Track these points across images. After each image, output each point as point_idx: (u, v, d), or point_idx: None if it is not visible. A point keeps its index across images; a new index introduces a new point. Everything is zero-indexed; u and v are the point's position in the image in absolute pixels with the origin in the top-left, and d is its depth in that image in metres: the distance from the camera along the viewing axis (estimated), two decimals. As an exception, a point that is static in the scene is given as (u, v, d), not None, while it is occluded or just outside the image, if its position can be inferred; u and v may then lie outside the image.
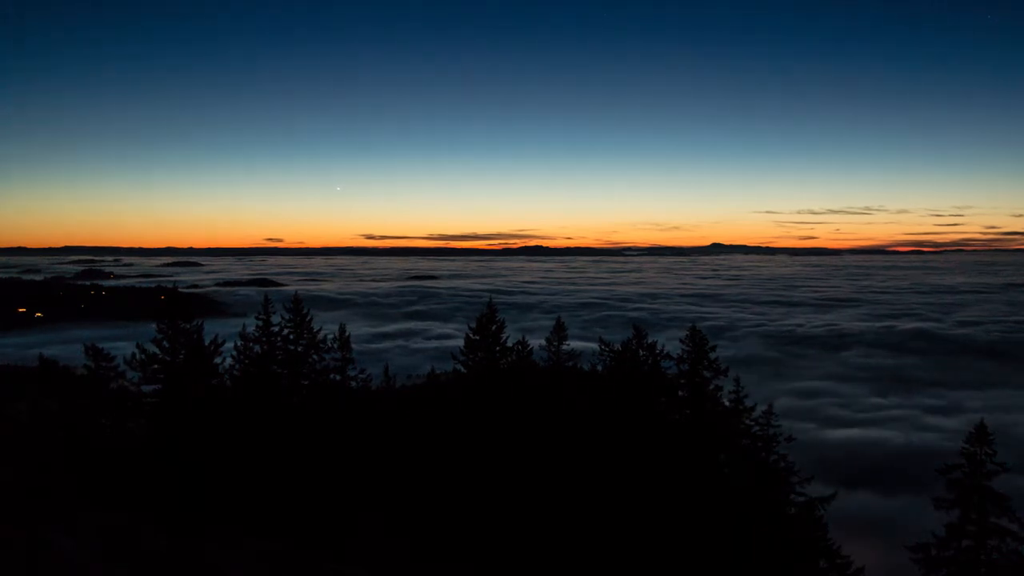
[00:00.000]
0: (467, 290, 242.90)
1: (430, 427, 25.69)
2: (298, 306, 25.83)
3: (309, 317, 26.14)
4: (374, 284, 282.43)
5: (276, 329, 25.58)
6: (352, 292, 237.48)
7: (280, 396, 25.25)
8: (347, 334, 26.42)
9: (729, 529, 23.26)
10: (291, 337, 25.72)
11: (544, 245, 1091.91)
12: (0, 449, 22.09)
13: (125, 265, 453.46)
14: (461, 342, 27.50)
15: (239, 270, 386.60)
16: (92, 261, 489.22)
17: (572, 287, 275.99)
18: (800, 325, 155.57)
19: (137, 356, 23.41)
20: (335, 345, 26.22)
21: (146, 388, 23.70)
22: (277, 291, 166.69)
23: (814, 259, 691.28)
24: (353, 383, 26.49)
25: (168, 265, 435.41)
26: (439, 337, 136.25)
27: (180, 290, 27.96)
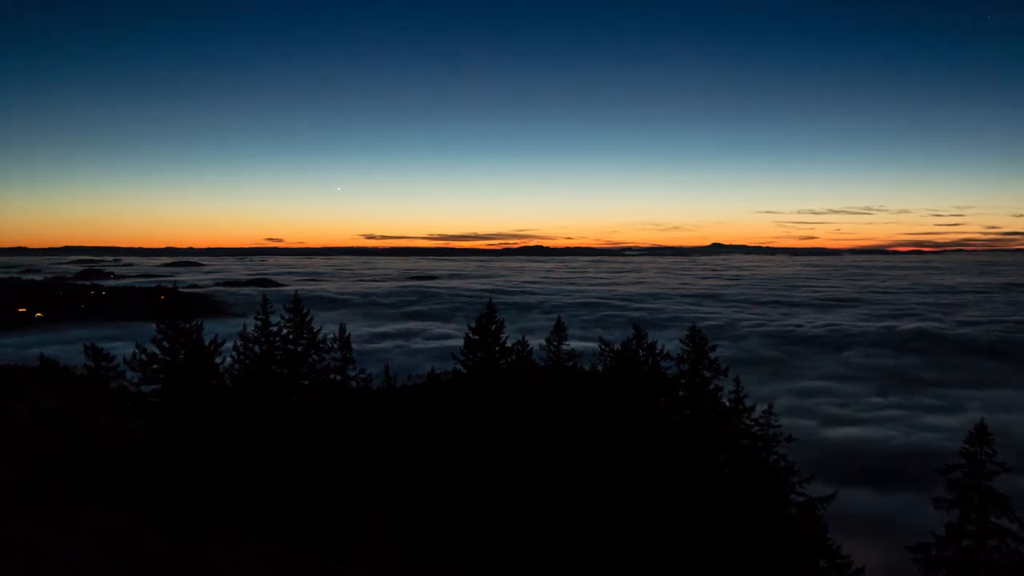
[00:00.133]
0: (467, 290, 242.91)
1: (430, 427, 25.69)
2: (298, 306, 25.82)
3: (309, 317, 26.13)
4: (374, 284, 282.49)
5: (276, 329, 25.57)
6: (352, 292, 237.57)
7: (280, 396, 25.24)
8: (347, 334, 26.41)
9: (729, 529, 23.25)
10: (291, 337, 25.71)
11: (544, 245, 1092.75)
12: (0, 449, 22.08)
13: (125, 265, 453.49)
14: (461, 342, 27.49)
15: (239, 270, 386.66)
16: (92, 261, 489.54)
17: (572, 287, 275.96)
18: (800, 325, 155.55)
19: (137, 356, 23.39)
20: (335, 345, 26.21)
21: (146, 388, 23.70)
22: (277, 291, 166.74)
23: (814, 259, 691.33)
24: (353, 383, 26.48)
25: (168, 265, 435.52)
26: (439, 337, 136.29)
27: (180, 290, 27.94)
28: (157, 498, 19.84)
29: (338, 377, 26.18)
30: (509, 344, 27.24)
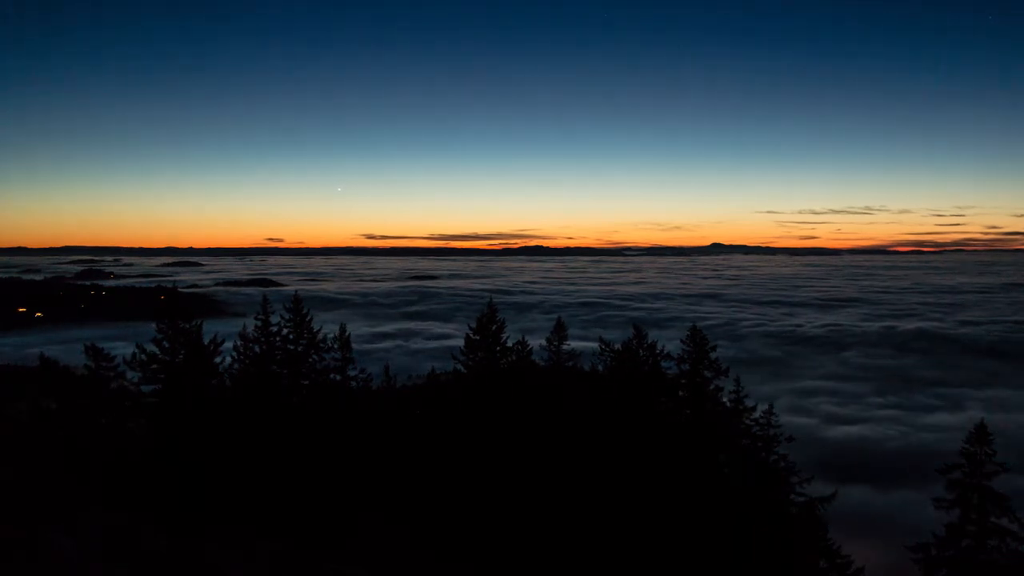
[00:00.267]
0: (467, 290, 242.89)
1: (430, 427, 25.68)
2: (298, 306, 25.82)
3: (309, 317, 26.13)
4: (374, 284, 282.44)
5: (276, 329, 25.57)
6: (351, 292, 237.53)
7: (280, 396, 25.23)
8: (347, 334, 26.41)
9: (729, 529, 23.25)
10: (291, 337, 25.71)
11: (544, 245, 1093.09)
12: (0, 449, 22.08)
13: (125, 265, 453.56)
14: (461, 342, 27.50)
15: (239, 270, 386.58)
16: (92, 261, 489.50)
17: (572, 287, 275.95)
18: (801, 325, 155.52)
19: (137, 356, 23.39)
20: (335, 345, 26.21)
21: (146, 388, 23.68)
22: (277, 291, 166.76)
23: (814, 259, 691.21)
24: (353, 383, 26.47)
25: (168, 265, 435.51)
26: (439, 337, 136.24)
27: (180, 290, 27.95)
28: (157, 498, 19.83)
29: (338, 377, 26.18)
30: (509, 344, 27.26)
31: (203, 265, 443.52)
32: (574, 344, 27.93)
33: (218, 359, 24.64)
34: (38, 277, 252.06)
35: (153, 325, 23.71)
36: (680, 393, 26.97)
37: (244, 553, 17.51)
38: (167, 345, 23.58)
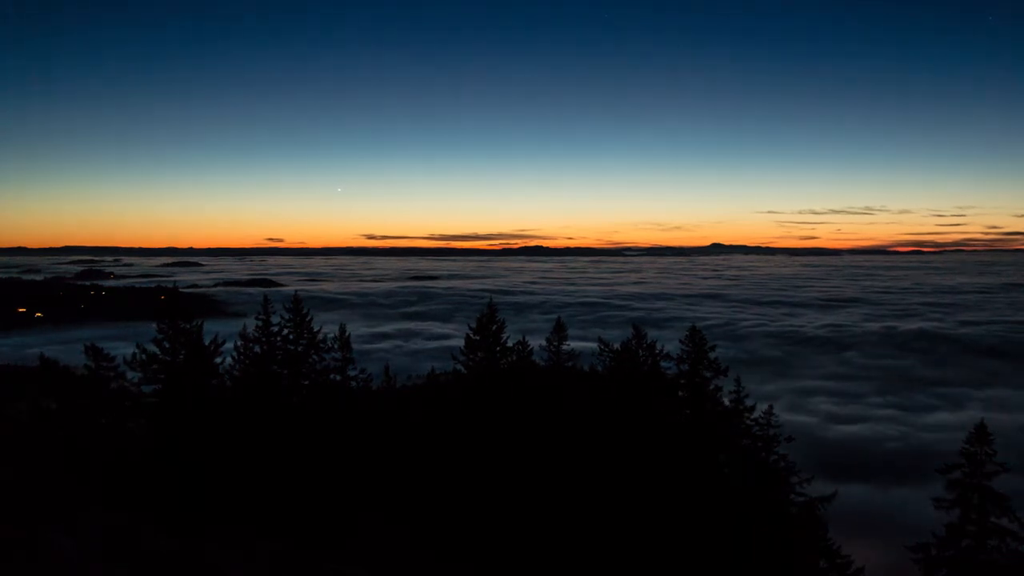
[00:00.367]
0: (467, 290, 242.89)
1: (430, 427, 25.68)
2: (298, 306, 25.82)
3: (309, 317, 26.13)
4: (373, 284, 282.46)
5: (276, 329, 25.57)
6: (351, 292, 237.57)
7: (280, 396, 25.24)
8: (347, 334, 26.41)
9: (729, 529, 23.25)
10: (291, 337, 25.71)
11: (545, 245, 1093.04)
12: (0, 449, 22.08)
13: (125, 265, 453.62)
14: (461, 342, 27.51)
15: (239, 270, 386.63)
16: (92, 261, 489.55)
17: (572, 287, 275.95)
18: (801, 325, 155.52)
19: (137, 356, 23.38)
20: (335, 345, 26.21)
21: (146, 388, 23.68)
22: (277, 291, 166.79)
23: (814, 259, 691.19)
24: (353, 383, 26.48)
25: (168, 265, 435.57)
26: (438, 337, 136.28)
27: (180, 290, 27.96)
28: (157, 498, 19.84)
29: (338, 377, 26.18)
30: (509, 344, 27.26)
31: (203, 265, 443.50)
32: (574, 344, 27.93)
33: (218, 359, 24.64)
34: (38, 277, 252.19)
35: (153, 325, 23.71)
36: (680, 393, 26.98)
37: (244, 553, 17.51)
38: (167, 345, 23.58)
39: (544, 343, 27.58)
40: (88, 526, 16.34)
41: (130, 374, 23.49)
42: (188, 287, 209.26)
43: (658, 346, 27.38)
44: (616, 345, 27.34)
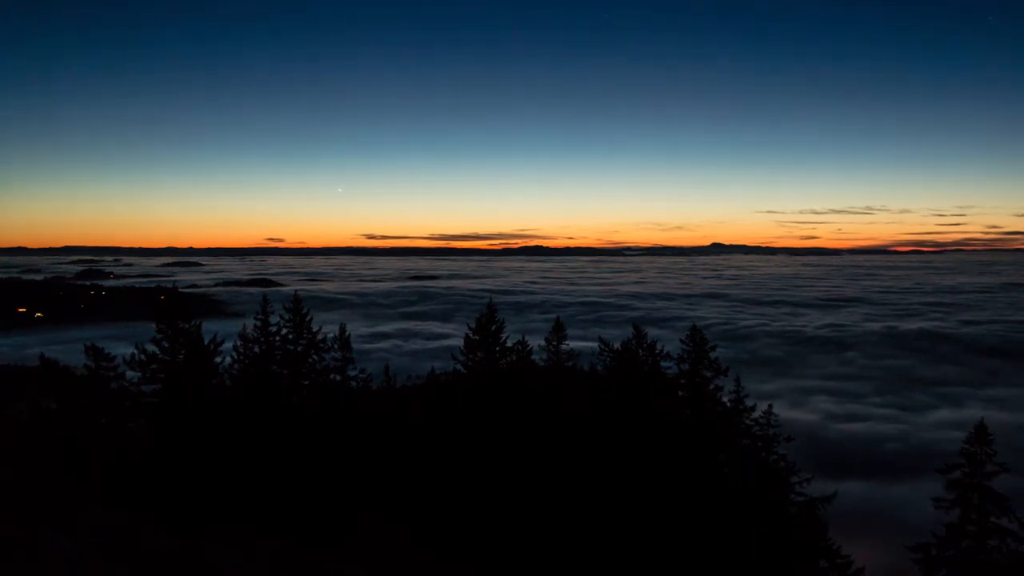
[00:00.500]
0: (467, 290, 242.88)
1: (430, 427, 25.68)
2: (298, 306, 25.82)
3: (309, 317, 26.13)
4: (373, 284, 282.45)
5: (276, 329, 25.57)
6: (351, 292, 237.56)
7: (280, 396, 25.24)
8: (347, 334, 26.42)
9: (729, 529, 23.24)
10: (291, 337, 25.71)
11: (545, 245, 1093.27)
12: (0, 449, 22.09)
13: (125, 265, 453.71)
14: (460, 342, 27.50)
15: (239, 270, 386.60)
16: (92, 261, 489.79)
17: (572, 287, 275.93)
18: (802, 325, 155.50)
19: (137, 356, 23.39)
20: (335, 345, 26.22)
21: (146, 388, 23.69)
22: (277, 291, 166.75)
23: (814, 259, 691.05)
24: (353, 383, 26.48)
25: (168, 265, 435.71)
26: (438, 337, 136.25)
27: (180, 290, 27.96)
28: (157, 498, 19.84)
29: (338, 377, 26.18)
30: (509, 344, 27.26)
31: (203, 265, 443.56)
32: (573, 344, 27.92)
33: (218, 359, 24.65)
34: (38, 277, 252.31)
35: (153, 325, 23.71)
36: (680, 393, 26.98)
37: (244, 553, 17.50)
38: (167, 345, 23.58)
39: (544, 343, 27.58)
40: (88, 526, 16.34)
41: (130, 374, 23.50)
42: (188, 287, 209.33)
43: (658, 346, 27.38)
44: (616, 345, 27.34)
